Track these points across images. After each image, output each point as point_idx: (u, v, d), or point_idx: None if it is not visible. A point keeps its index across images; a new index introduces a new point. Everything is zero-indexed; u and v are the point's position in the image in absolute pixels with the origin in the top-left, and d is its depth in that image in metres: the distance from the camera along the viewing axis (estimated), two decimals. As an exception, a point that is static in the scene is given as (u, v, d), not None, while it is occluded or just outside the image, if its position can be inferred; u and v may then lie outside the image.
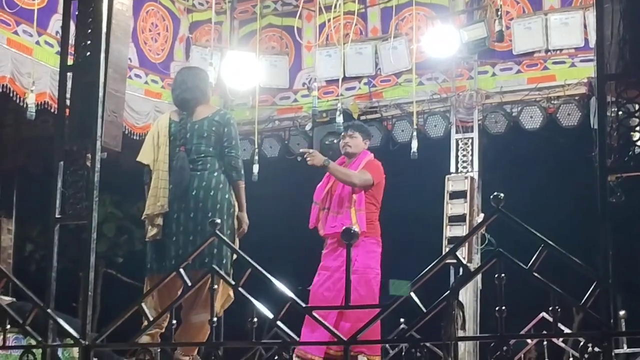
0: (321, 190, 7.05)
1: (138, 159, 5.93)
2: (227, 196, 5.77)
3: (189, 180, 5.73)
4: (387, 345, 8.32)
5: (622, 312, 7.56)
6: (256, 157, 9.72)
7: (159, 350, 5.11)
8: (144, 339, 5.27)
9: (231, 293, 5.69)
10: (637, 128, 4.06)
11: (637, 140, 4.05)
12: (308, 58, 10.28)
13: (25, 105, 8.10)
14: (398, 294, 3.85)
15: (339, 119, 9.01)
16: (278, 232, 11.07)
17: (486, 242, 8.83)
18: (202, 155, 5.80)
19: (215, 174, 5.78)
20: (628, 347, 8.44)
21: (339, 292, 6.64)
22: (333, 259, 6.85)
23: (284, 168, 10.20)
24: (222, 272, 4.55)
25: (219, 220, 4.60)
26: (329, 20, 9.64)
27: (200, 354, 5.73)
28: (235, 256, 5.66)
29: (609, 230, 3.91)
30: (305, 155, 6.82)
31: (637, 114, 4.04)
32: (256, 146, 9.84)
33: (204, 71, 6.45)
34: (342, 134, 7.24)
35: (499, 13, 8.72)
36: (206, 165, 5.78)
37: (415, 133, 9.26)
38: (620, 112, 4.05)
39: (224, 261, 5.60)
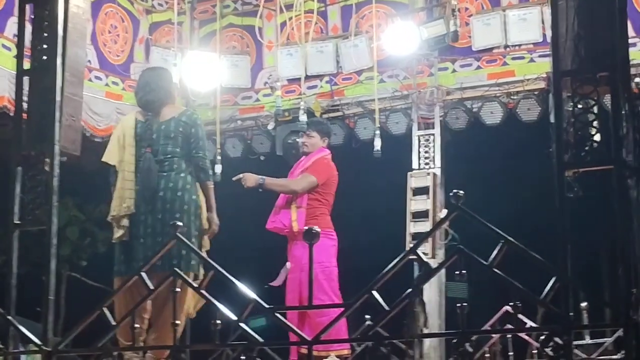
0: None
1: (103, 159, 5.88)
2: (194, 197, 5.76)
3: (156, 181, 5.70)
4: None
5: (583, 304, 7.63)
6: (219, 157, 9.69)
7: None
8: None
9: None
10: (595, 123, 4.12)
11: (593, 135, 4.10)
12: (269, 57, 10.24)
13: (-19, 109, 8.02)
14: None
15: (303, 117, 9.01)
16: (243, 231, 11.04)
17: (450, 237, 8.87)
18: (169, 156, 5.77)
19: (182, 174, 5.76)
20: (591, 339, 8.52)
21: (294, 293, 6.72)
22: (290, 260, 6.93)
23: (247, 168, 10.12)
24: (187, 276, 4.57)
25: (180, 223, 4.59)
26: (289, 19, 9.63)
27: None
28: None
29: (567, 225, 3.96)
30: (242, 181, 6.88)
31: (592, 110, 4.09)
32: (219, 146, 9.82)
33: (168, 71, 6.39)
34: (301, 133, 7.34)
35: (455, 13, 8.76)
36: (173, 166, 5.76)
37: (378, 131, 9.27)
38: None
39: (193, 262, 5.58)
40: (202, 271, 5.65)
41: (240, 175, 6.99)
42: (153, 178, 5.69)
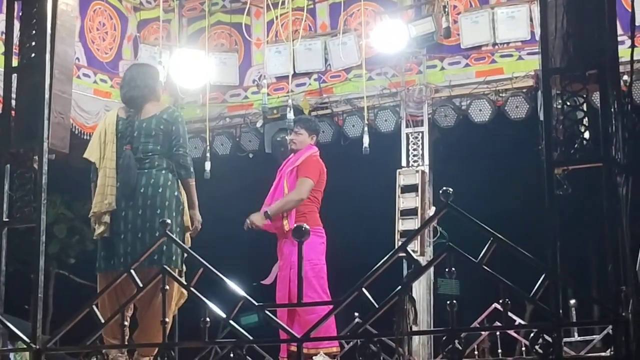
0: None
1: (85, 155, 5.88)
2: (175, 193, 5.74)
3: (136, 178, 5.69)
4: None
5: (572, 301, 7.66)
6: (208, 155, 9.69)
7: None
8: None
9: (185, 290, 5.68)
10: (584, 121, 4.12)
11: (582, 133, 4.11)
12: (257, 55, 10.24)
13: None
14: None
15: (290, 115, 8.99)
16: (232, 229, 11.02)
17: (438, 234, 8.89)
18: (150, 153, 5.76)
19: (164, 171, 5.75)
20: (579, 335, 8.56)
21: (283, 291, 6.74)
22: (280, 257, 6.94)
23: (236, 165, 10.19)
24: (172, 272, 4.56)
25: (169, 221, 4.58)
26: (277, 17, 9.61)
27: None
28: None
29: (556, 222, 3.96)
30: (252, 226, 6.95)
31: (581, 107, 4.10)
32: (208, 144, 9.81)
33: (154, 68, 6.39)
34: (289, 130, 7.34)
35: (446, 10, 8.77)
36: (154, 163, 5.75)
37: (366, 128, 9.27)
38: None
39: (174, 258, 5.57)
40: (184, 267, 5.66)
41: (248, 222, 6.98)
42: (132, 175, 5.69)
